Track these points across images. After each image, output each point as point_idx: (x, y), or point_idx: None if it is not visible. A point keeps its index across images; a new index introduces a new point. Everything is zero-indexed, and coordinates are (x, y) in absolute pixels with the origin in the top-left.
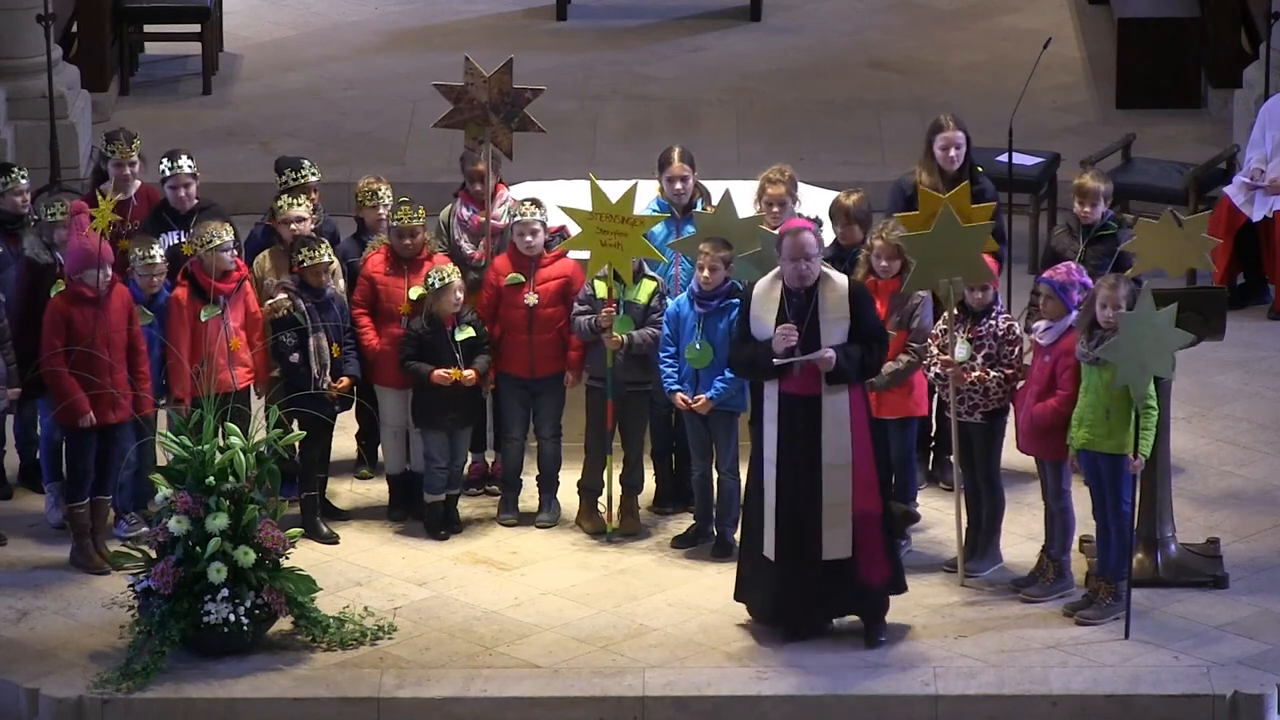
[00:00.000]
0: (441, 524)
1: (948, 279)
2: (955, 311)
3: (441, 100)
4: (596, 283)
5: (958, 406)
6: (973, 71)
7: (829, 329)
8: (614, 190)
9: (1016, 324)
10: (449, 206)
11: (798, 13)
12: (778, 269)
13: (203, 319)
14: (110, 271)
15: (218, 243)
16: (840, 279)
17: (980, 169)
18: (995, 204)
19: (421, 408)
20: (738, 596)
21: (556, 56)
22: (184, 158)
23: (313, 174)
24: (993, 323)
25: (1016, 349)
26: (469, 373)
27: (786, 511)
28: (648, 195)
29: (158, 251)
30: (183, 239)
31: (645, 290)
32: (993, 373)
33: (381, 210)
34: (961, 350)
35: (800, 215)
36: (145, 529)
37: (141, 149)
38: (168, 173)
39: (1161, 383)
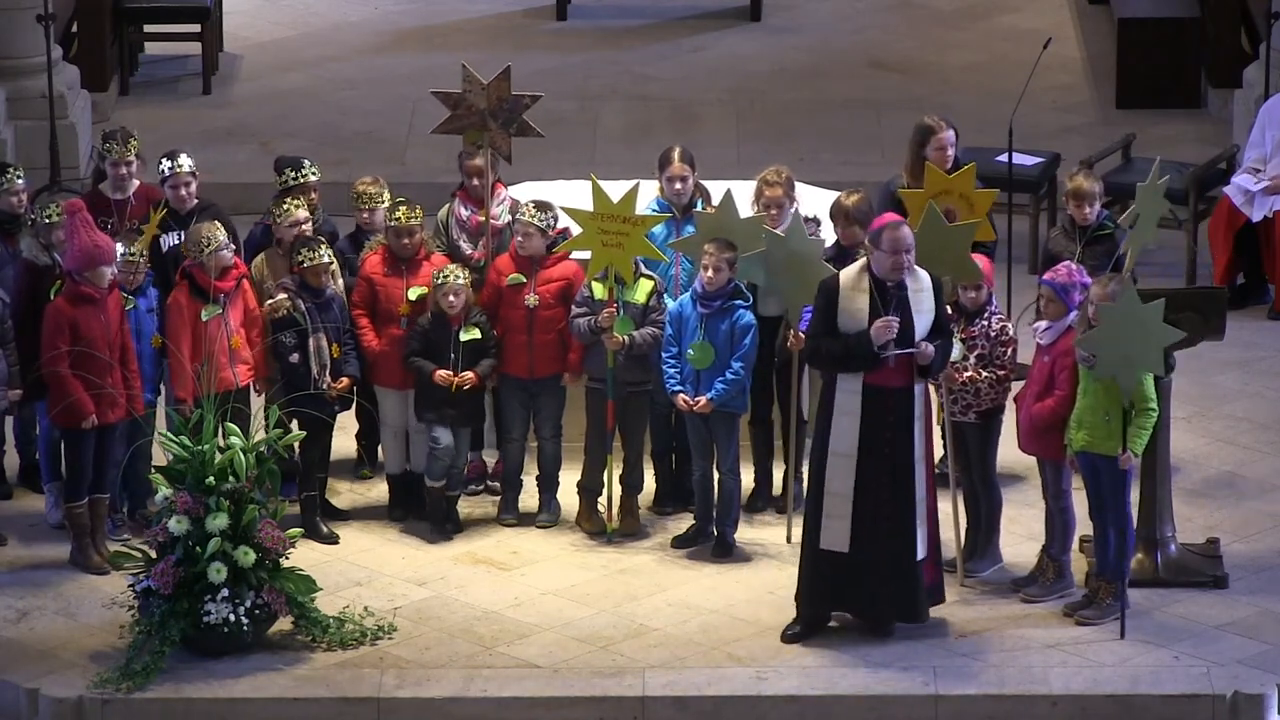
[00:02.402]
0: (445, 516)
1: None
2: (949, 311)
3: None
4: (594, 284)
5: (951, 406)
6: (973, 71)
7: (921, 321)
8: (615, 190)
9: (1010, 325)
10: (447, 206)
11: (798, 13)
12: (862, 261)
13: (204, 319)
14: (115, 270)
15: (214, 245)
16: (921, 272)
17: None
18: (996, 192)
19: (423, 404)
20: (804, 600)
21: (556, 56)
22: (184, 157)
23: (313, 174)
24: (985, 323)
25: (1009, 349)
26: (466, 375)
27: (866, 505)
28: (648, 195)
29: (139, 249)
30: (183, 239)
31: (643, 290)
32: (984, 373)
33: (365, 214)
34: (955, 350)
35: (801, 216)
36: (128, 535)
37: (139, 149)
38: (167, 172)
39: (1161, 382)
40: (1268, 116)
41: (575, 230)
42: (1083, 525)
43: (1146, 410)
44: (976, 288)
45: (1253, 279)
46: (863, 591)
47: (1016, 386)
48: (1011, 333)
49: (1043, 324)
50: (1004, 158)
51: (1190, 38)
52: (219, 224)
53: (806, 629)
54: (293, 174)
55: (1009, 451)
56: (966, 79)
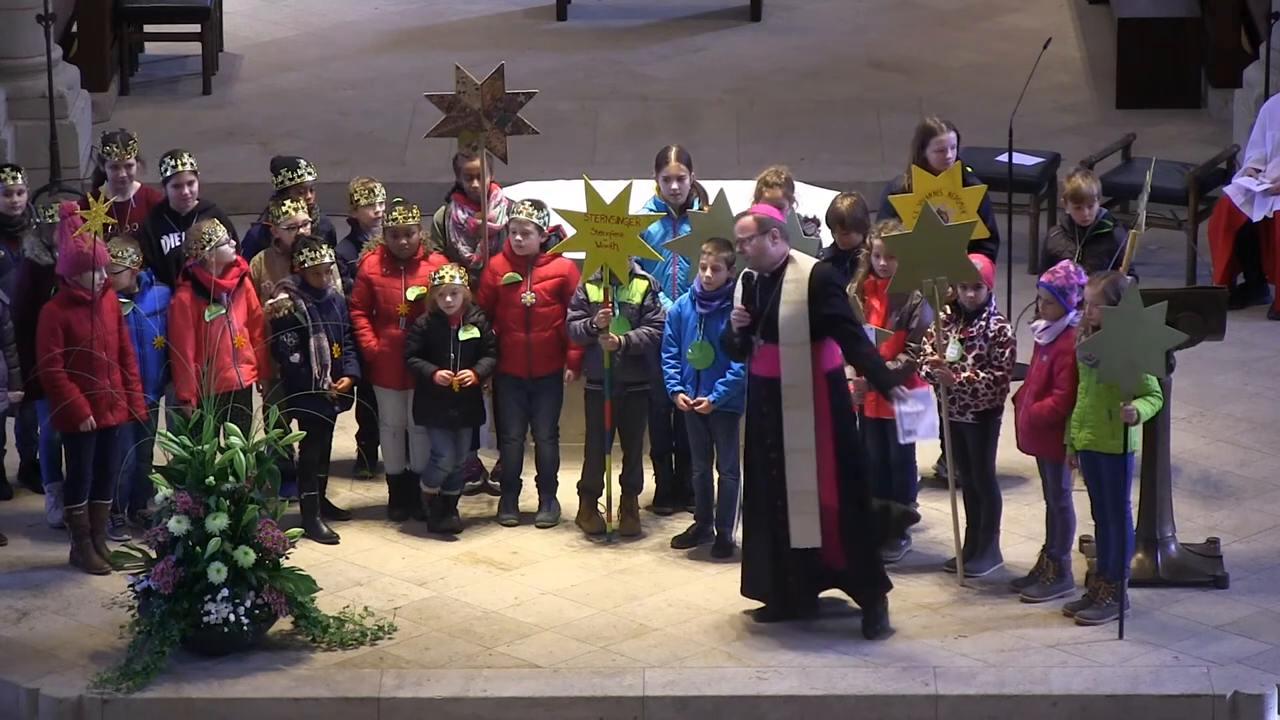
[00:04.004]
0: (444, 518)
1: (932, 279)
2: (948, 311)
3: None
4: (589, 286)
5: (949, 407)
6: (973, 71)
7: (786, 312)
8: (610, 190)
9: (1008, 325)
10: (443, 209)
11: (798, 13)
12: None
13: (208, 319)
14: (105, 274)
15: (215, 242)
16: (805, 264)
17: (970, 169)
18: (986, 187)
19: (423, 405)
20: (744, 591)
21: (556, 56)
22: (186, 156)
23: (309, 173)
24: (984, 323)
25: (1008, 350)
26: (465, 373)
27: (759, 490)
28: (643, 195)
29: (129, 255)
30: (184, 240)
31: (637, 290)
32: (982, 374)
33: (374, 209)
34: (953, 350)
35: (800, 216)
36: (129, 535)
37: (139, 151)
38: (170, 171)
39: (1161, 382)
40: (1268, 116)
41: (567, 228)
42: (1083, 525)
43: (1151, 401)
44: (975, 287)
45: (1253, 279)
46: (772, 580)
47: (1015, 387)
48: (1010, 333)
49: (1041, 324)
50: (1004, 158)
51: (1190, 38)
52: (219, 222)
53: (771, 611)
54: (289, 174)
55: (1009, 452)
56: (966, 79)
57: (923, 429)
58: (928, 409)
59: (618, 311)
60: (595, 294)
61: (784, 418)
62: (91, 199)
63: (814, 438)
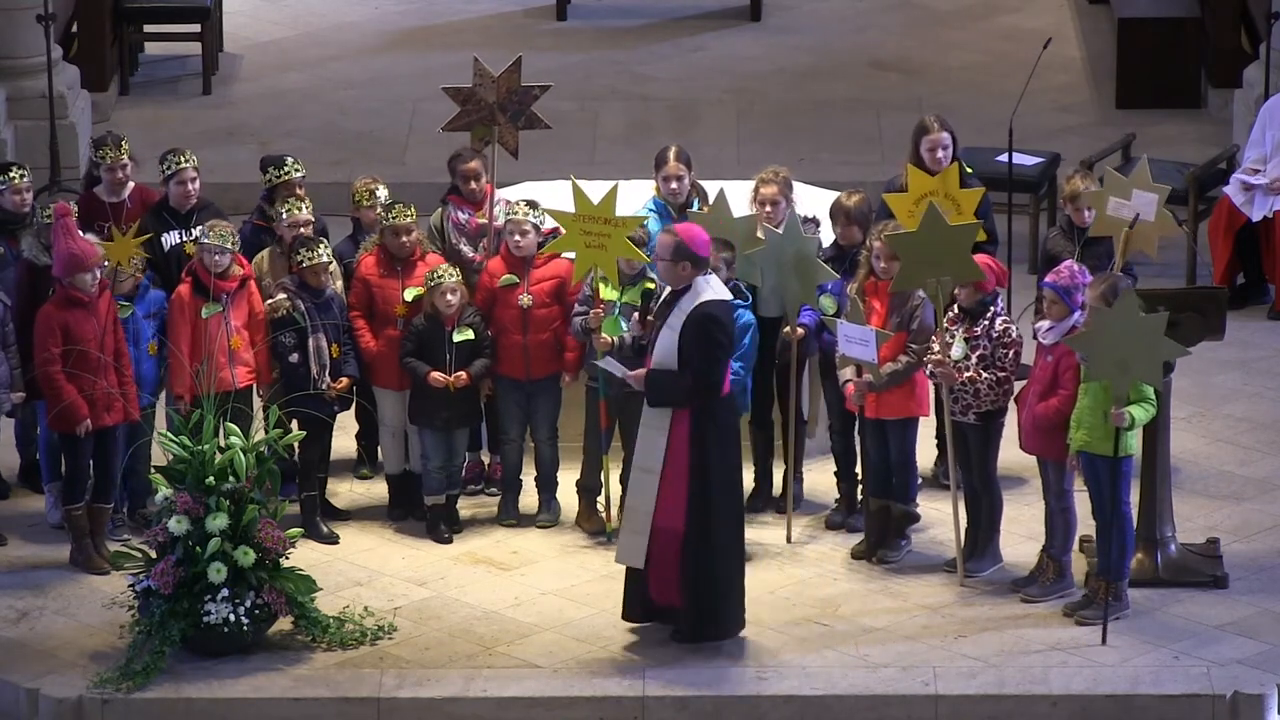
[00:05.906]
0: (443, 524)
1: (935, 278)
2: (954, 310)
3: (444, 101)
4: (598, 284)
5: (952, 406)
6: (973, 71)
7: (664, 337)
8: (601, 191)
9: (1013, 326)
10: (439, 211)
11: (798, 13)
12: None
13: (204, 316)
14: (99, 274)
15: (211, 240)
16: (701, 297)
17: (970, 169)
18: (985, 190)
19: (417, 406)
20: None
21: (556, 56)
22: (188, 153)
23: (296, 170)
24: (988, 323)
25: (1012, 351)
26: (459, 374)
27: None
28: (640, 196)
29: (134, 262)
30: (184, 238)
31: (641, 292)
32: (985, 374)
33: (377, 210)
34: (957, 349)
35: (800, 216)
36: (129, 535)
37: (131, 150)
38: (172, 169)
39: (1158, 386)
40: (1268, 116)
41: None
42: (1083, 525)
43: (1146, 406)
44: (963, 285)
45: (1253, 279)
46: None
47: (1018, 387)
48: (1015, 334)
49: (1045, 324)
50: (1004, 158)
51: (1190, 38)
52: (231, 233)
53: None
54: (275, 172)
55: (1010, 452)
56: (966, 79)
57: (856, 350)
58: (870, 342)
59: (616, 312)
60: (604, 292)
61: (639, 433)
62: (117, 232)
63: (661, 462)
